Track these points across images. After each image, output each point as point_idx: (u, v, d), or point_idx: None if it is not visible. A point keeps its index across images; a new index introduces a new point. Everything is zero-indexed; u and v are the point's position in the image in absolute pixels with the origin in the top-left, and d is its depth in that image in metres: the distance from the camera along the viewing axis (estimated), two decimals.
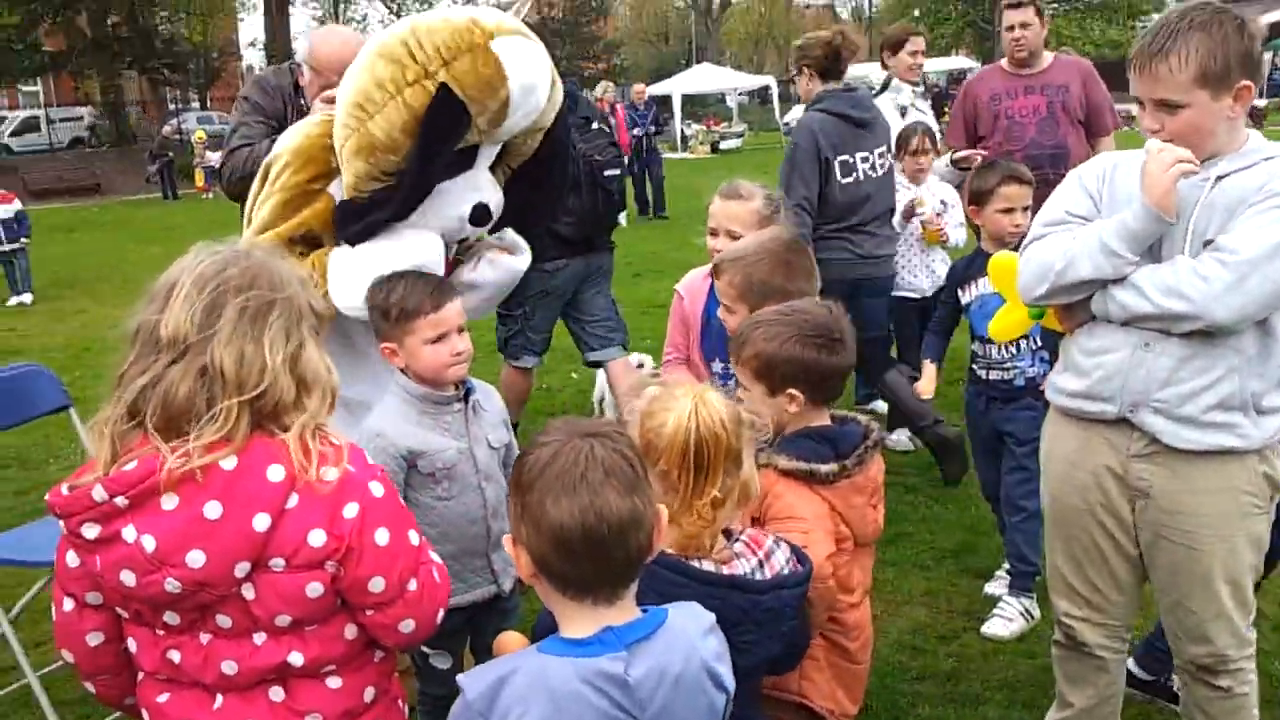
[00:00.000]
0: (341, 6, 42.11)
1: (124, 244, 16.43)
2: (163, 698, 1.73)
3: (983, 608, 3.79)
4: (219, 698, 1.70)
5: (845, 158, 4.58)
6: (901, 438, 5.57)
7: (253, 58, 47.01)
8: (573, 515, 1.48)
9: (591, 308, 5.10)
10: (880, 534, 2.40)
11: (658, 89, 28.17)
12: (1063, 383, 2.55)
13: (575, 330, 5.23)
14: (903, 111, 5.75)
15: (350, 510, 1.64)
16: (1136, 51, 2.31)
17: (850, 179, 4.61)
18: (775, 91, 38.75)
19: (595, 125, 4.99)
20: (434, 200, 2.73)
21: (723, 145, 31.61)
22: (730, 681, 1.64)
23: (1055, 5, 46.92)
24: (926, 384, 3.90)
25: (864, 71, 17.44)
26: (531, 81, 2.63)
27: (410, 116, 2.54)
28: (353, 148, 2.62)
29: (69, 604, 1.73)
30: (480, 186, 2.82)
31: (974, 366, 3.77)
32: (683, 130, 32.44)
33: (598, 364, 5.33)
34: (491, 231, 3.05)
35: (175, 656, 1.69)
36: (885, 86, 5.79)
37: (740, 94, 40.27)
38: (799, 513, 2.17)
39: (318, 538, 1.61)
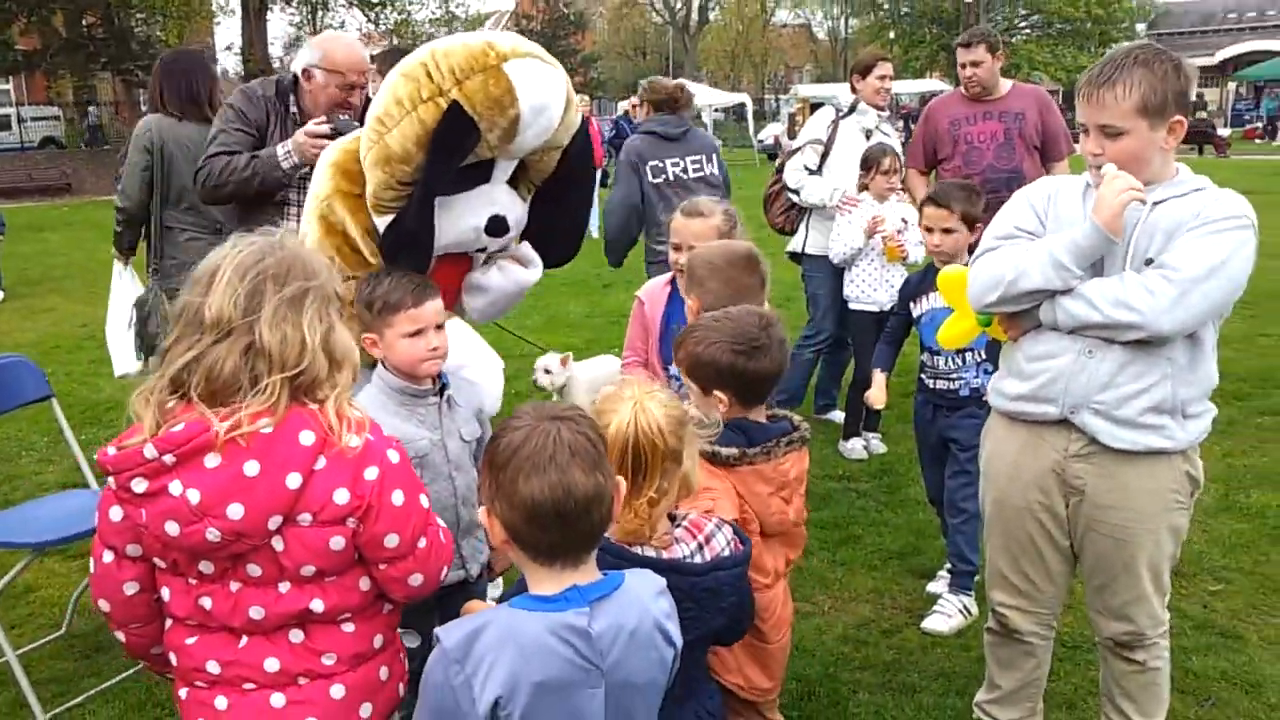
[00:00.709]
0: (319, 14, 42.07)
1: (94, 243, 16.40)
2: (191, 640, 1.91)
3: (924, 605, 3.98)
4: (244, 639, 1.88)
5: (654, 163, 5.62)
6: (856, 446, 5.78)
7: (228, 62, 46.91)
8: (543, 491, 1.66)
9: None
10: (788, 527, 2.56)
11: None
12: (1006, 387, 2.75)
13: None
14: (867, 134, 5.94)
15: (371, 473, 1.82)
16: (1085, 81, 2.54)
17: (660, 179, 5.63)
18: (750, 109, 39.10)
19: None
20: (451, 211, 2.86)
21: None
22: (678, 638, 1.83)
23: (1029, 31, 47.84)
24: (877, 391, 4.09)
25: (833, 92, 17.67)
26: (542, 102, 2.75)
27: (423, 130, 2.68)
28: (373, 159, 2.78)
29: (109, 556, 1.89)
30: (497, 200, 2.93)
31: (922, 376, 3.97)
32: None
33: None
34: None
35: (207, 603, 1.87)
36: (852, 109, 5.98)
37: (716, 110, 40.59)
38: (710, 484, 2.36)
39: (342, 496, 1.80)
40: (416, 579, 1.93)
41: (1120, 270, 2.52)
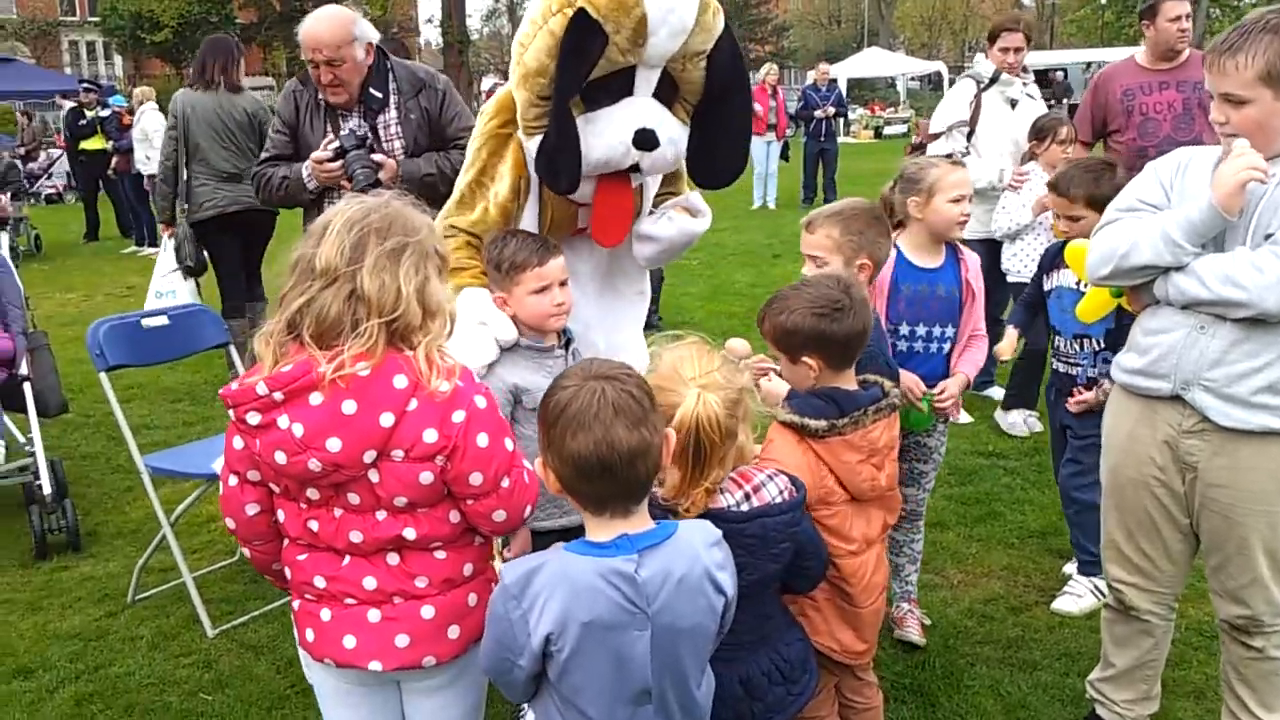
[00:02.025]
0: None
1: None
2: (302, 557, 2.12)
3: (1059, 585, 3.91)
4: (346, 558, 2.08)
5: None
6: (1017, 420, 5.65)
7: (430, 34, 48.58)
8: (588, 447, 1.78)
9: None
10: (881, 493, 2.57)
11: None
12: (1125, 361, 2.71)
13: None
14: (1012, 104, 5.75)
15: (458, 416, 1.97)
16: (1210, 48, 2.45)
17: None
18: (947, 78, 37.92)
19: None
20: (596, 126, 2.90)
21: (886, 131, 31.22)
22: (731, 588, 1.91)
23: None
24: (1006, 343, 3.96)
25: (1030, 60, 16.92)
26: (670, 2, 2.78)
27: (553, 41, 2.78)
28: (516, 81, 2.91)
29: (233, 480, 2.11)
30: (643, 113, 2.94)
31: (1053, 358, 3.88)
32: (846, 113, 32.15)
33: None
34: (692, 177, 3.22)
35: (314, 525, 2.06)
36: (994, 80, 5.78)
37: (911, 79, 39.56)
38: (777, 457, 2.40)
39: (430, 435, 1.95)
40: (500, 515, 2.06)
41: (1240, 246, 2.43)
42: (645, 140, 2.93)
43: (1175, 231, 2.45)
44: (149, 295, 7.31)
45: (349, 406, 1.91)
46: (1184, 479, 2.63)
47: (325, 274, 1.94)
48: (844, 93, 31.44)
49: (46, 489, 4.54)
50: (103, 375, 3.95)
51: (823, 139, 15.69)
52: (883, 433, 2.53)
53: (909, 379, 3.22)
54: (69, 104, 19.36)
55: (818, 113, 15.47)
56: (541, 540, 2.44)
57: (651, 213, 3.23)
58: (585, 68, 2.80)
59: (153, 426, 6.12)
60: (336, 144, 3.96)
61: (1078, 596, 3.75)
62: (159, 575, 4.21)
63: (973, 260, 3.48)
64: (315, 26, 4.03)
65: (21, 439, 4.95)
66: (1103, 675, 2.96)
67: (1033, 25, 6.11)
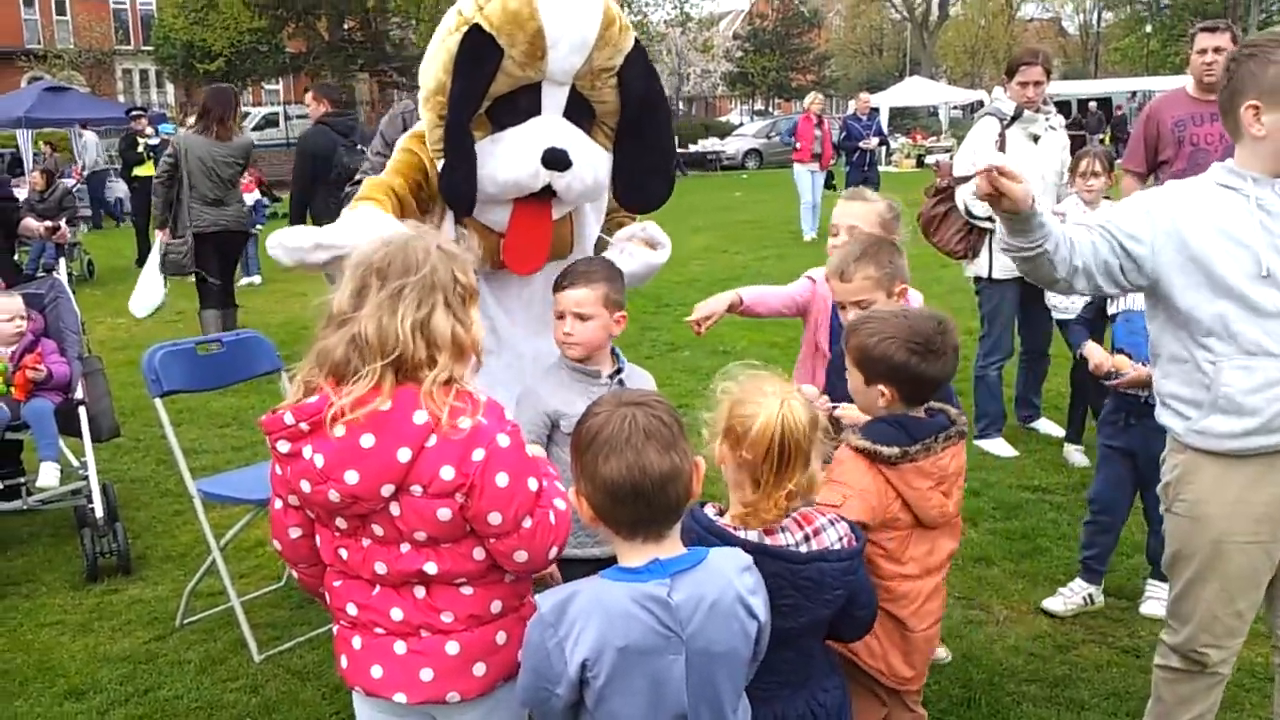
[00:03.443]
0: None
1: None
2: (337, 583, 2.17)
3: (1105, 624, 3.87)
4: (376, 588, 2.11)
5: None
6: (1073, 453, 5.61)
7: None
8: (620, 472, 1.81)
9: None
10: (950, 519, 2.57)
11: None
12: (1223, 427, 2.54)
13: None
14: (1035, 139, 5.72)
15: (478, 454, 1.98)
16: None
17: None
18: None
19: (359, 146, 7.63)
20: (503, 146, 2.94)
21: (928, 159, 31.07)
22: (763, 613, 1.92)
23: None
24: (1100, 356, 3.90)
25: (1077, 90, 16.82)
26: (566, 16, 2.82)
27: (449, 58, 2.85)
28: (421, 100, 2.97)
29: (279, 503, 2.16)
30: (551, 132, 2.97)
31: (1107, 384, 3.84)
32: (888, 142, 32.13)
33: None
34: (629, 209, 3.30)
35: (344, 553, 2.10)
36: (1016, 117, 5.72)
37: (953, 108, 39.44)
38: (849, 481, 2.42)
39: (448, 473, 1.96)
40: (521, 555, 2.05)
41: None
42: (555, 160, 2.92)
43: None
44: (136, 287, 8.42)
45: (367, 440, 1.95)
46: None
47: (336, 317, 2.01)
48: (886, 121, 31.66)
49: (99, 512, 4.62)
50: (157, 400, 4.02)
51: (865, 168, 15.70)
52: (952, 459, 2.54)
53: None
54: (89, 134, 19.83)
55: (862, 144, 15.46)
56: (571, 570, 2.44)
57: (609, 246, 3.24)
58: (480, 83, 2.83)
59: (202, 451, 6.21)
60: None
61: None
62: (207, 599, 4.27)
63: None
64: None
65: (75, 462, 5.04)
66: None
67: (1051, 58, 6.05)
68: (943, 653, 3.54)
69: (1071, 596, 4.01)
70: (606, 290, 2.89)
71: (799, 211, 15.39)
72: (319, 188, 7.70)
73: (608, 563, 2.19)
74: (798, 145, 15.11)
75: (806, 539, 2.14)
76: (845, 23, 61.22)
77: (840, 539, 2.17)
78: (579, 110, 3.03)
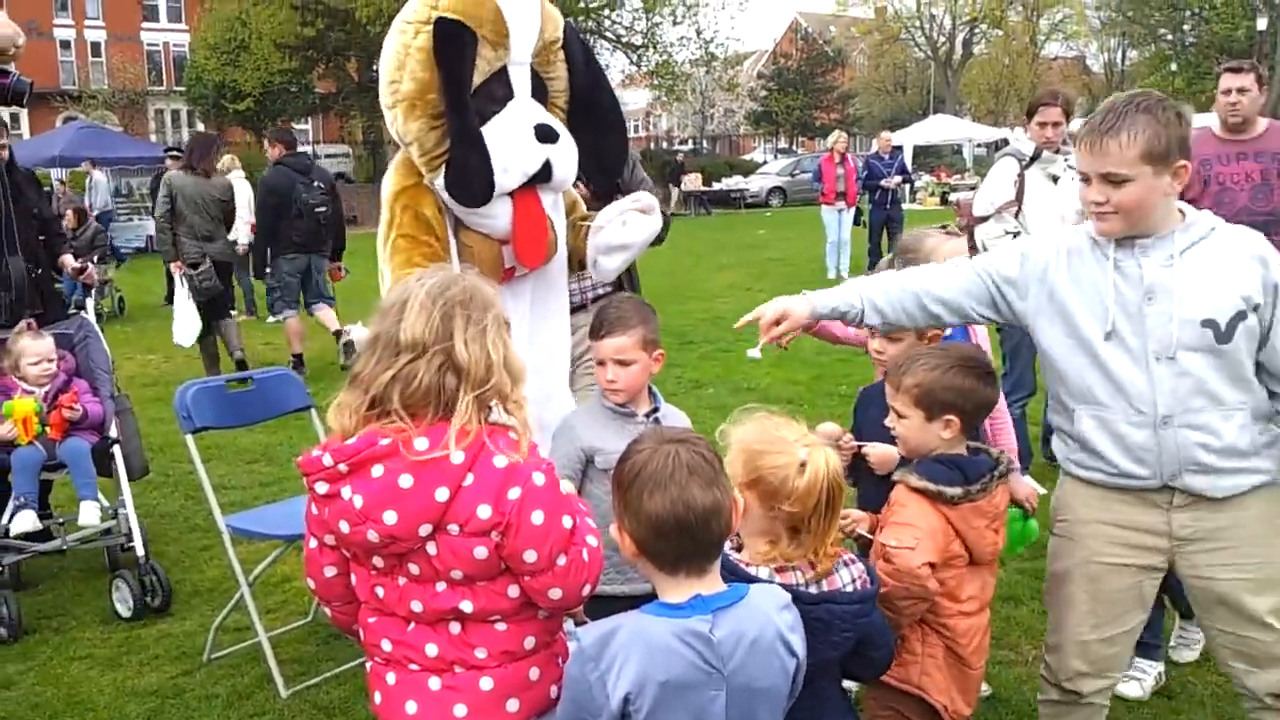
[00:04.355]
0: None
1: (371, 270, 17.78)
2: (372, 620, 2.17)
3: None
4: (411, 624, 2.11)
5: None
6: None
7: None
8: (665, 506, 1.83)
9: (313, 282, 9.60)
10: (996, 554, 2.62)
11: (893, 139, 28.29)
12: (1088, 462, 2.63)
13: (305, 295, 9.71)
14: (1054, 180, 5.72)
15: (513, 493, 1.99)
16: (1086, 130, 2.50)
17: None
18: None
19: (315, 183, 9.32)
20: (495, 131, 3.03)
21: (952, 197, 31.10)
22: (801, 650, 1.93)
23: None
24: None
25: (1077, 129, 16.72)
26: None
27: (426, 56, 2.95)
28: (403, 115, 3.03)
29: (313, 543, 2.17)
30: (533, 111, 3.13)
31: None
32: (912, 180, 32.21)
33: (312, 313, 9.85)
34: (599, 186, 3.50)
35: (380, 591, 2.11)
36: (1035, 157, 5.71)
37: (977, 145, 39.51)
38: (917, 523, 2.46)
39: (485, 511, 1.97)
40: (555, 593, 2.06)
41: (1168, 333, 2.46)
42: (546, 134, 3.08)
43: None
44: (175, 320, 9.17)
45: (405, 481, 1.96)
46: (1171, 557, 2.61)
47: (413, 347, 1.99)
48: (910, 159, 31.68)
49: (139, 551, 4.63)
50: (188, 437, 4.06)
51: (888, 206, 15.72)
52: (1001, 498, 2.60)
53: (1025, 489, 3.13)
54: (98, 173, 19.96)
55: (884, 182, 15.50)
56: (605, 606, 2.45)
57: (600, 228, 3.34)
58: (465, 66, 2.96)
59: (230, 487, 6.25)
60: None
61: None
62: (234, 634, 4.29)
63: (980, 331, 3.44)
64: None
65: (106, 503, 5.08)
66: None
67: (1072, 100, 6.06)
68: (984, 687, 3.52)
69: (1145, 678, 3.69)
70: (644, 333, 2.91)
71: (825, 249, 15.41)
72: (282, 221, 9.22)
73: (637, 600, 2.21)
74: (822, 189, 15.19)
75: (818, 579, 2.15)
76: (869, 61, 61.46)
77: (854, 580, 2.18)
78: (537, 92, 3.19)
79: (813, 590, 2.13)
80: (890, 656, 2.32)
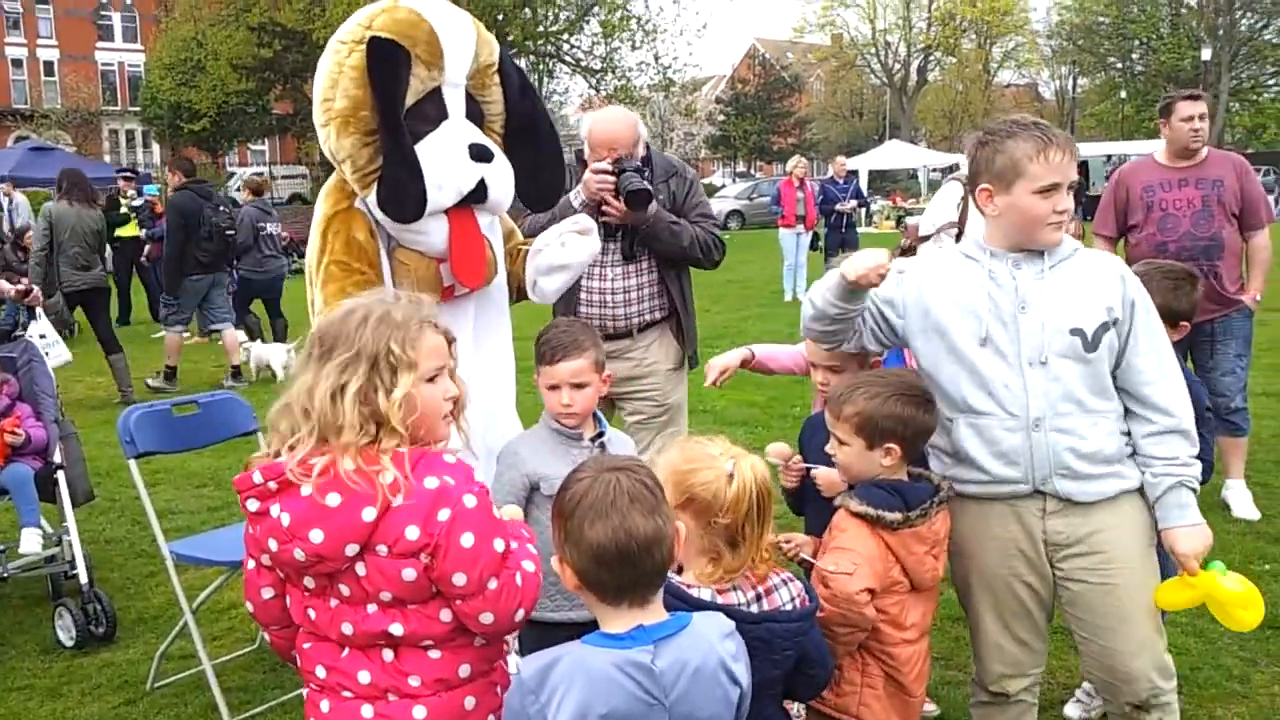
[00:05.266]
0: (544, 81, 43.89)
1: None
2: (307, 645, 2.14)
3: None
4: (345, 650, 2.09)
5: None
6: None
7: None
8: (607, 535, 1.82)
9: (215, 301, 10.27)
10: (935, 582, 2.62)
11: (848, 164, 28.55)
12: (966, 475, 2.71)
13: (205, 311, 10.48)
14: None
15: (443, 515, 1.98)
16: (1060, 140, 2.61)
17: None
18: (966, 171, 38.28)
19: (220, 207, 10.16)
20: (428, 150, 3.06)
21: (907, 220, 31.46)
22: (745, 680, 1.92)
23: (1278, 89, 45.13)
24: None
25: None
26: (447, 17, 3.07)
27: (359, 74, 2.98)
28: (335, 132, 3.04)
29: (251, 563, 2.15)
30: (467, 130, 3.16)
31: None
32: (868, 205, 32.53)
33: (215, 332, 10.60)
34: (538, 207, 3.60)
35: (312, 614, 2.09)
36: None
37: (932, 170, 40.04)
38: (856, 548, 2.48)
39: (413, 532, 1.96)
40: (487, 617, 2.03)
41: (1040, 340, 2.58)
42: (481, 153, 3.12)
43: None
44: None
45: (333, 499, 1.95)
46: (1051, 560, 2.68)
47: (345, 369, 2.02)
48: (865, 184, 31.94)
49: (83, 579, 4.54)
50: (132, 462, 3.99)
51: (844, 230, 15.94)
52: (941, 525, 2.61)
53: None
54: (19, 195, 19.22)
55: (839, 206, 15.72)
56: (548, 634, 2.43)
57: (543, 248, 3.38)
58: (398, 84, 2.99)
59: (177, 511, 6.16)
60: (619, 155, 4.08)
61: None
62: (179, 662, 4.21)
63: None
64: (614, 127, 4.17)
65: (49, 529, 4.98)
66: None
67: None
68: (930, 706, 3.53)
69: (1091, 703, 3.67)
70: (595, 355, 2.93)
71: (782, 271, 15.53)
72: (190, 241, 9.83)
73: (580, 627, 2.20)
74: (782, 212, 15.33)
75: (759, 598, 2.16)
76: (826, 87, 62.14)
77: (794, 599, 2.19)
78: (472, 115, 3.22)
79: (754, 610, 2.13)
80: (829, 675, 2.33)
